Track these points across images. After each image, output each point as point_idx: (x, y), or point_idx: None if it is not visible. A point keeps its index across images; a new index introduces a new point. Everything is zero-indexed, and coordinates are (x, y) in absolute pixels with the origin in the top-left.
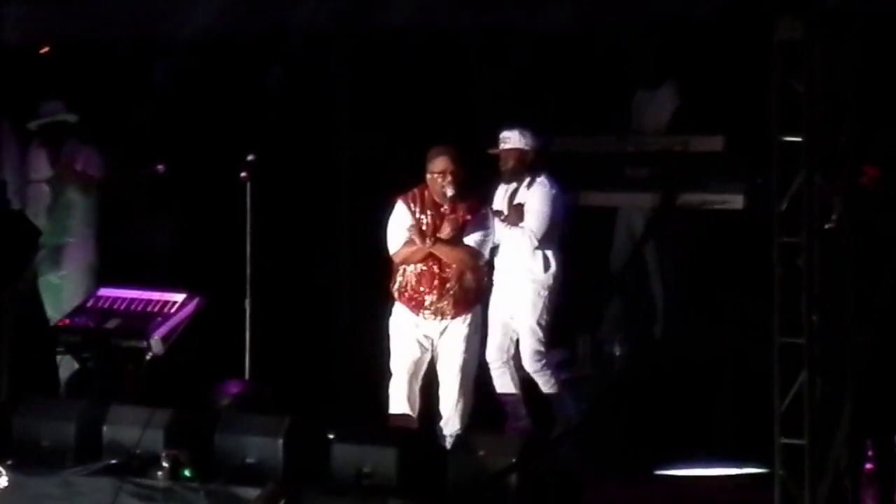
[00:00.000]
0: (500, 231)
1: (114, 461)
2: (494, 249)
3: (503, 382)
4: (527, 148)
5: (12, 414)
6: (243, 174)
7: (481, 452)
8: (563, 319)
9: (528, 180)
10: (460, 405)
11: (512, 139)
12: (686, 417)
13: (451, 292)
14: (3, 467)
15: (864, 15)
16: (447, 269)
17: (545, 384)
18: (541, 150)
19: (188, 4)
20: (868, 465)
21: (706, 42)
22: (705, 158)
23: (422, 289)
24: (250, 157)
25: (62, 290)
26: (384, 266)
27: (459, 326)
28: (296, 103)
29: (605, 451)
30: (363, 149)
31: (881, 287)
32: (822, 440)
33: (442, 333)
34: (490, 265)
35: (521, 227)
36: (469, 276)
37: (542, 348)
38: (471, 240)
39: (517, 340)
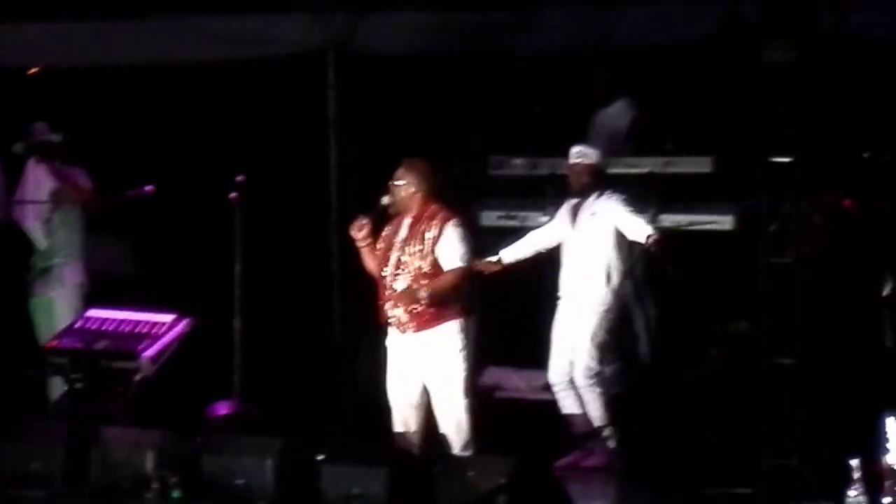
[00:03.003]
0: (571, 244)
1: (102, 483)
2: (555, 266)
3: (568, 404)
4: (598, 164)
5: (0, 436)
6: (232, 194)
7: (471, 473)
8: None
9: (596, 194)
10: (452, 425)
11: (589, 155)
12: (674, 438)
13: (403, 302)
14: None
15: (855, 38)
16: (397, 277)
17: (591, 402)
18: (604, 166)
19: (178, 30)
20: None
21: (696, 64)
22: (694, 179)
23: (385, 301)
24: (239, 178)
25: (52, 310)
26: (374, 285)
27: (433, 341)
28: (285, 123)
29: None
30: (352, 168)
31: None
32: (810, 460)
33: (417, 350)
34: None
35: (643, 224)
36: (421, 288)
37: (594, 365)
38: (454, 256)
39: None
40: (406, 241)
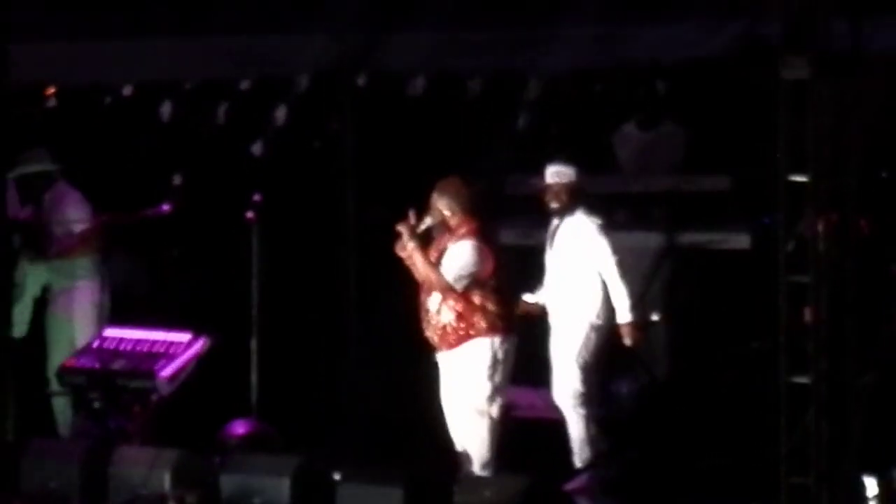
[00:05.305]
0: (550, 266)
1: (120, 502)
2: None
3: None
4: (576, 182)
5: (19, 455)
6: (249, 214)
7: (487, 494)
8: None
9: (573, 213)
10: (474, 444)
11: (566, 173)
12: (692, 456)
13: (433, 323)
14: None
15: (870, 55)
16: (427, 300)
17: (574, 424)
18: (582, 184)
19: (197, 48)
20: None
21: (712, 82)
22: (712, 198)
23: (421, 321)
24: (256, 197)
25: (73, 332)
26: (390, 303)
27: (455, 362)
28: (301, 143)
29: (612, 491)
30: (368, 187)
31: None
32: (828, 479)
33: (449, 368)
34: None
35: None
36: (448, 308)
37: (581, 387)
38: (445, 268)
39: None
40: (438, 260)
